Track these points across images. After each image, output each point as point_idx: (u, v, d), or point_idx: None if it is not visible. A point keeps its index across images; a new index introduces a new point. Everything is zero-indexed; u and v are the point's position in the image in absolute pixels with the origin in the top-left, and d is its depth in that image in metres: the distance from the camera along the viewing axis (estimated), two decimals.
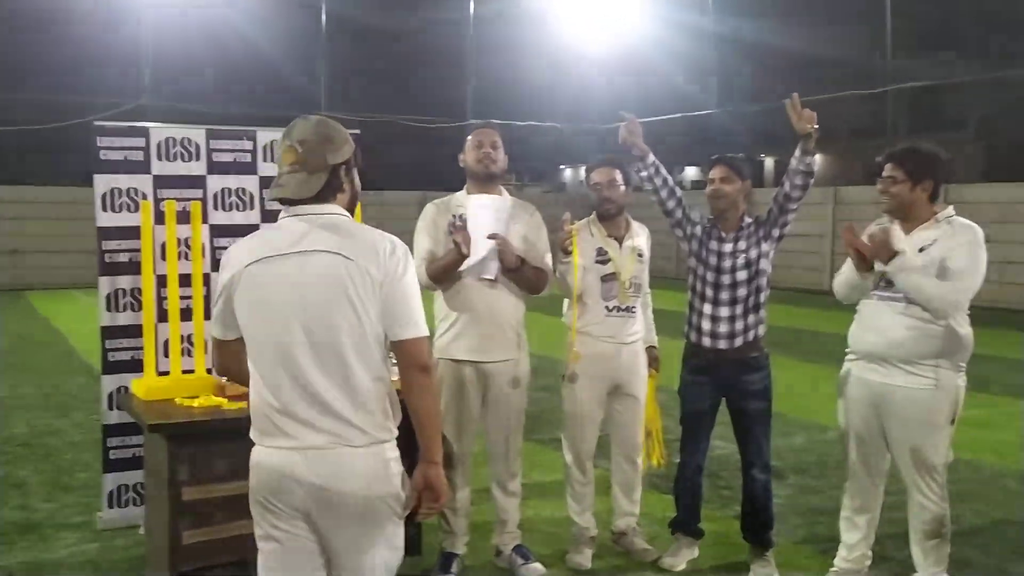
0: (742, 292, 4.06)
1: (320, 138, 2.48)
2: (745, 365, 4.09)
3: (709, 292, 4.10)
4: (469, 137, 4.14)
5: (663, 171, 4.22)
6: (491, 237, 3.87)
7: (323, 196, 2.48)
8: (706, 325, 4.09)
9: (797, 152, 3.97)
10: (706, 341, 4.10)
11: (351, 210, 2.57)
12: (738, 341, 4.06)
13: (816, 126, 3.90)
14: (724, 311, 4.06)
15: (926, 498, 3.80)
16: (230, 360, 2.61)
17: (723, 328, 4.06)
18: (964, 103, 27.15)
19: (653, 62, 22.94)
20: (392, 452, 2.47)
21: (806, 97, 4.04)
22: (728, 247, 4.08)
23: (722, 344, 4.07)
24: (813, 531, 4.75)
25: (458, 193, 4.15)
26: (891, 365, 3.72)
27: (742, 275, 4.06)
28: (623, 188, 4.28)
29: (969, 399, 3.78)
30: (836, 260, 18.39)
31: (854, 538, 4.04)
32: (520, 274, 3.99)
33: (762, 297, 4.11)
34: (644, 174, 4.20)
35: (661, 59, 22.78)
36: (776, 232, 4.09)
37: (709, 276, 4.11)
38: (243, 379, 2.56)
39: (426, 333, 2.47)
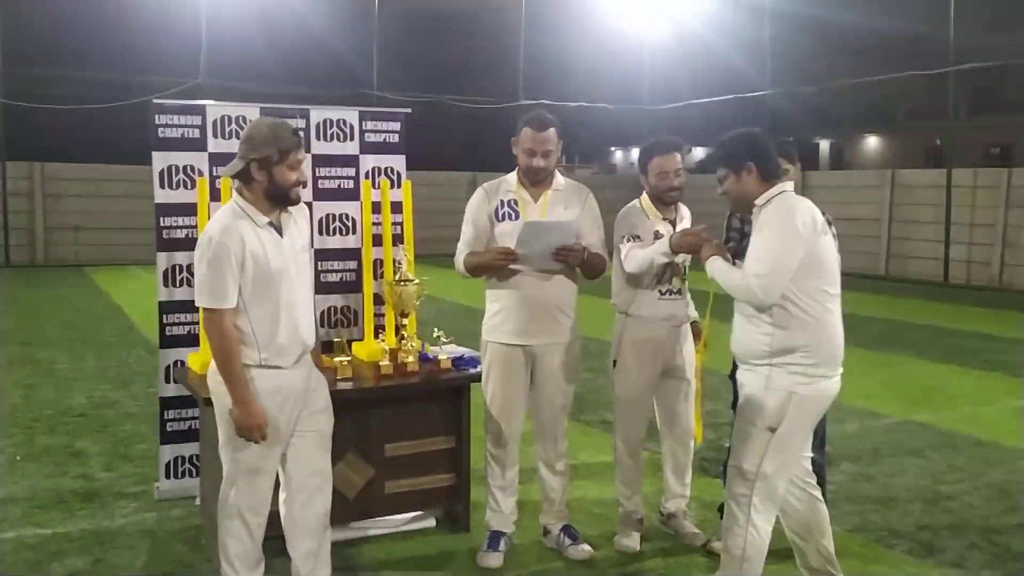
0: None
1: (243, 135, 3.25)
2: None
3: None
4: (525, 129, 4.00)
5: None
6: (558, 259, 3.89)
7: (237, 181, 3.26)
8: None
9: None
10: None
11: (271, 198, 3.23)
12: None
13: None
14: None
15: (731, 500, 3.47)
16: None
17: None
18: None
19: (705, 41, 22.60)
20: None
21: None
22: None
23: None
24: (866, 519, 4.68)
25: (508, 176, 4.13)
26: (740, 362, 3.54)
27: None
28: (686, 174, 4.22)
29: None
30: (893, 244, 18.04)
31: None
32: (583, 265, 4.02)
33: None
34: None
35: (713, 38, 22.43)
36: None
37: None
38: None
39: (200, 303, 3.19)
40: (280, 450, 3.36)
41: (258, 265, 3.19)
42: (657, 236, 4.13)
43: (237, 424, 3.21)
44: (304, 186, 3.33)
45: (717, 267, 3.51)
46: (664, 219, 4.20)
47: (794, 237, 3.27)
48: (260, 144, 3.19)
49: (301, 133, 3.34)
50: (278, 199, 3.25)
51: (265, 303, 3.22)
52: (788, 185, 3.47)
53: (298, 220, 3.40)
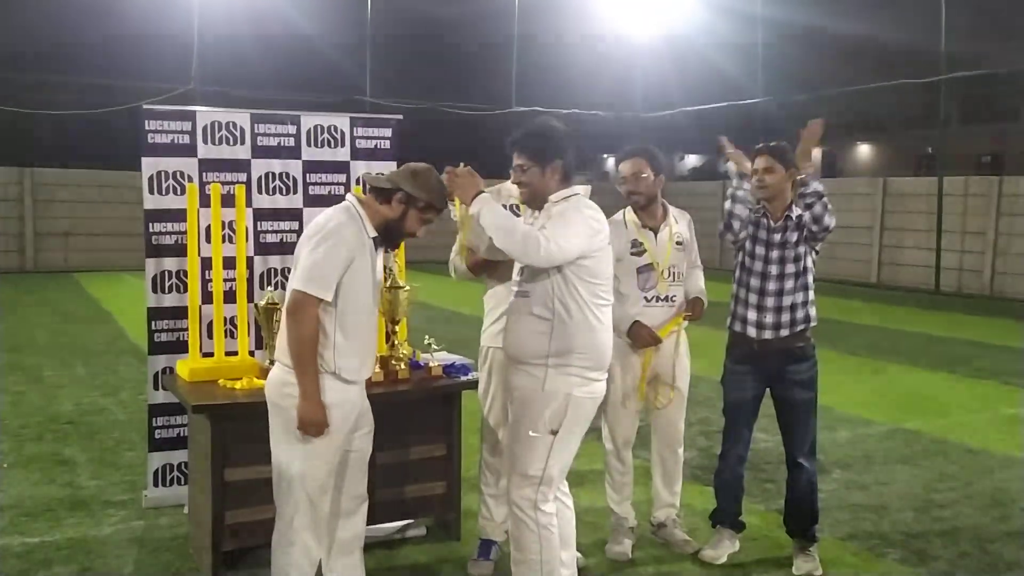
0: (789, 284, 4.00)
1: (410, 169, 3.37)
2: (791, 355, 4.03)
3: (755, 283, 4.04)
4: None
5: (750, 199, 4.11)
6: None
7: None
8: (752, 315, 4.03)
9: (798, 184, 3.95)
10: (751, 331, 4.04)
11: (383, 229, 3.30)
12: (784, 331, 4.00)
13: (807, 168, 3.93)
14: (770, 302, 4.00)
15: (515, 507, 3.41)
16: None
17: (769, 319, 4.00)
18: (1019, 93, 26.43)
19: (698, 49, 22.65)
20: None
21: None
22: (777, 237, 4.01)
23: (767, 334, 4.00)
24: (858, 527, 4.67)
25: (507, 183, 4.10)
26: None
27: (790, 268, 4.00)
28: (650, 179, 4.20)
29: None
30: (884, 252, 18.09)
31: None
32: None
33: (810, 291, 4.05)
34: (741, 192, 4.07)
35: (706, 45, 22.48)
36: (817, 244, 4.06)
37: (757, 267, 4.04)
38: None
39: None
40: (337, 464, 3.35)
41: (360, 270, 3.22)
42: (635, 244, 4.17)
43: (302, 416, 3.17)
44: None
45: (499, 211, 3.30)
46: (645, 227, 4.21)
47: (587, 229, 3.32)
48: (422, 186, 3.30)
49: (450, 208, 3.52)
50: (388, 234, 3.33)
51: (354, 312, 3.24)
52: (580, 189, 3.51)
53: (379, 259, 3.46)
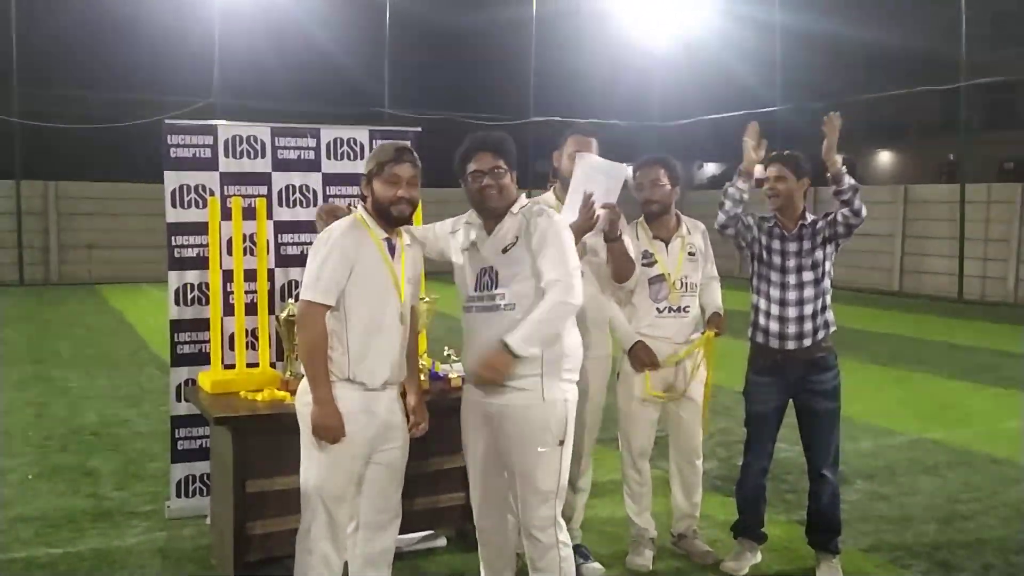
0: (809, 292, 3.98)
1: None
2: (814, 365, 4.01)
3: (775, 293, 4.03)
4: (571, 139, 4.06)
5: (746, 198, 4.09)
6: (605, 207, 3.73)
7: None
8: (774, 326, 4.02)
9: (831, 182, 3.90)
10: (773, 342, 4.02)
11: (378, 214, 3.28)
12: (807, 341, 3.98)
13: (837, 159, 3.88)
14: (792, 312, 3.99)
15: (534, 530, 3.33)
16: None
17: (791, 329, 3.98)
18: None
19: (716, 57, 22.61)
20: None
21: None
22: (792, 246, 4.00)
23: (791, 345, 3.99)
24: (881, 538, 4.63)
25: (546, 195, 4.09)
26: None
27: (808, 276, 3.98)
28: (667, 187, 4.20)
29: None
30: (906, 260, 17.94)
31: None
32: (618, 247, 3.87)
33: (828, 297, 4.04)
34: (732, 189, 4.05)
35: (724, 54, 22.44)
36: (841, 242, 4.03)
37: (774, 277, 4.03)
38: None
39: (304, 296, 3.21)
40: (358, 474, 3.34)
41: (365, 275, 3.23)
42: (646, 256, 4.16)
43: (315, 422, 3.20)
44: (410, 205, 3.31)
45: (528, 335, 3.15)
46: (656, 238, 4.21)
47: (568, 236, 3.30)
48: (368, 160, 3.38)
49: (411, 151, 3.34)
50: (382, 214, 3.29)
51: (364, 317, 3.24)
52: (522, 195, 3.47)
53: (414, 254, 3.43)
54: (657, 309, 4.16)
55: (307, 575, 3.33)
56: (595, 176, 3.79)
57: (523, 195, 3.45)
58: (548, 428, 3.27)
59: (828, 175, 3.92)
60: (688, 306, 4.21)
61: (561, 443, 3.31)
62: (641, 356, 4.13)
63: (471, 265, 3.37)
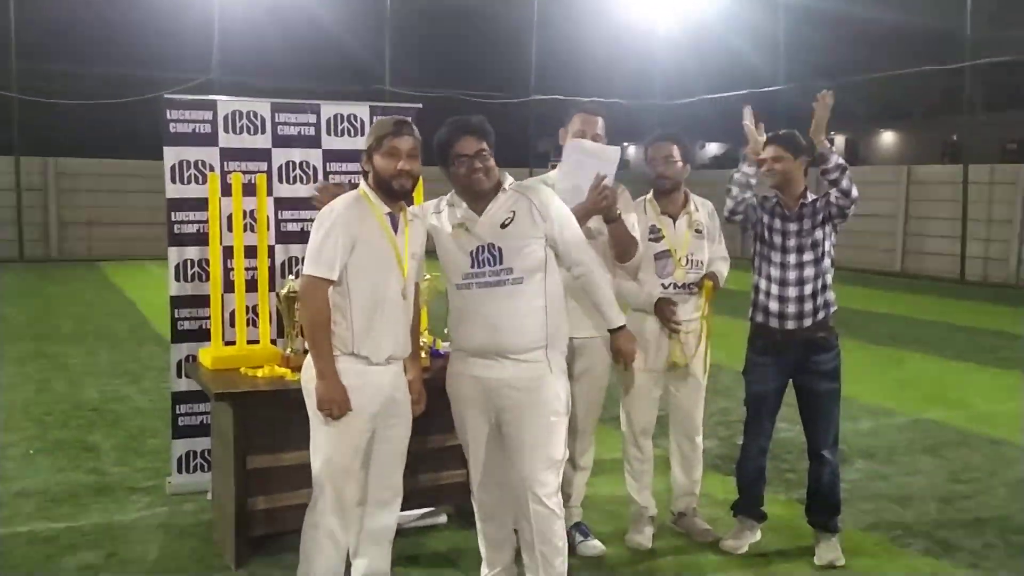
0: (809, 272, 3.97)
1: None
2: (815, 345, 4.00)
3: (776, 273, 4.01)
4: (577, 117, 4.03)
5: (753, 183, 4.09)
6: (600, 189, 3.71)
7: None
8: (774, 306, 4.01)
9: (818, 161, 3.91)
10: (774, 322, 4.01)
11: (380, 188, 3.28)
12: (807, 321, 3.97)
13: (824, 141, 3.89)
14: (792, 291, 3.97)
15: (546, 499, 3.34)
16: None
17: (791, 309, 3.97)
18: None
19: (718, 36, 22.45)
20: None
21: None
22: (793, 226, 3.99)
23: (790, 324, 3.98)
24: (881, 517, 4.64)
25: (550, 173, 4.07)
26: None
27: (808, 256, 3.97)
28: (679, 164, 4.19)
29: None
30: (909, 241, 17.91)
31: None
32: (619, 228, 3.84)
33: (828, 277, 4.02)
34: (738, 175, 4.06)
35: (727, 32, 22.26)
36: (838, 223, 4.01)
37: (775, 256, 4.02)
38: None
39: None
40: (364, 449, 3.36)
41: (368, 250, 3.23)
42: (653, 231, 4.15)
43: (319, 396, 3.21)
44: (411, 178, 3.29)
45: (603, 298, 3.49)
46: (664, 213, 4.20)
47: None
48: (367, 136, 3.38)
49: (410, 124, 3.34)
50: (384, 188, 3.28)
51: (367, 291, 3.24)
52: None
53: (418, 227, 3.41)
54: (663, 285, 4.15)
55: (312, 550, 3.34)
56: (586, 161, 3.79)
57: (504, 172, 3.44)
58: (559, 397, 3.36)
59: (815, 154, 3.90)
60: (693, 283, 4.19)
61: (567, 412, 3.40)
62: (666, 312, 4.11)
63: (461, 244, 3.36)
